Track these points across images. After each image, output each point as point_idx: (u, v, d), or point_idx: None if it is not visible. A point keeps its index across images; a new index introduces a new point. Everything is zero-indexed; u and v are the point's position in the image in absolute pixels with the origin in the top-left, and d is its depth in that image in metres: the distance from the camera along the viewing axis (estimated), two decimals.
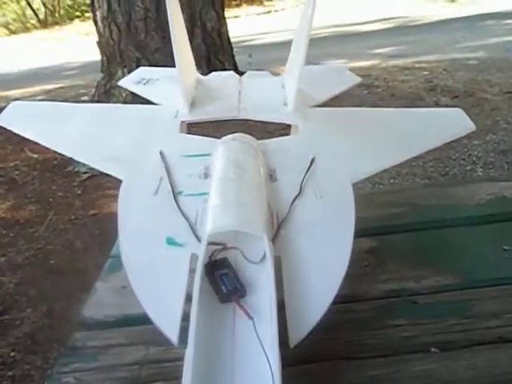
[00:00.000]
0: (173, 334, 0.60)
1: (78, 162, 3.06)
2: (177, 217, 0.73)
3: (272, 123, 1.03)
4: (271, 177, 0.82)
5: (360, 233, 0.95)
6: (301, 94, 0.99)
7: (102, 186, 2.88)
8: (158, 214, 0.76)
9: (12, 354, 1.72)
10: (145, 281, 0.67)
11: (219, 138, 0.90)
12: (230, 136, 0.89)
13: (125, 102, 3.51)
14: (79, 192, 2.87)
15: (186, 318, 0.59)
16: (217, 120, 1.01)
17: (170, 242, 0.70)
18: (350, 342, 0.72)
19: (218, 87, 1.15)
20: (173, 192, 0.77)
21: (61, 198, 2.83)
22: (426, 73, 4.31)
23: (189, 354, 0.54)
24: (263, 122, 1.02)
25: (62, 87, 5.19)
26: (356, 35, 6.00)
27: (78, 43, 8.13)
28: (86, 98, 4.45)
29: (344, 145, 0.90)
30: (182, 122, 0.97)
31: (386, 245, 0.94)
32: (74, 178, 3.01)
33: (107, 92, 3.77)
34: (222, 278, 0.63)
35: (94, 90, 4.04)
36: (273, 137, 0.96)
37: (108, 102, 3.62)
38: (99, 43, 3.85)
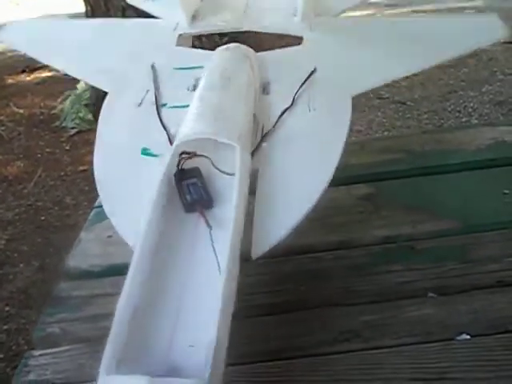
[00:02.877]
0: (129, 237, 0.58)
1: (66, 117, 3.00)
2: (157, 128, 0.70)
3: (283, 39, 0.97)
4: (264, 90, 0.78)
5: (355, 179, 0.93)
6: (313, 3, 0.94)
7: (91, 141, 2.79)
8: (137, 125, 0.73)
9: (6, 308, 1.72)
10: (112, 187, 0.64)
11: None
12: (224, 46, 0.84)
13: None
14: (67, 148, 2.81)
15: None
16: (218, 32, 0.98)
17: (145, 152, 0.67)
18: (345, 288, 0.70)
19: (225, 0, 1.09)
20: (156, 103, 0.74)
21: (49, 154, 2.77)
22: None
23: (135, 257, 0.50)
24: (268, 33, 0.96)
25: None
26: None
27: None
28: None
29: (350, 55, 0.85)
30: (180, 34, 0.93)
31: (382, 191, 0.91)
32: (62, 133, 2.94)
33: None
34: (188, 186, 0.59)
35: None
36: None
37: None
38: None
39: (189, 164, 0.62)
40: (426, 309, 0.65)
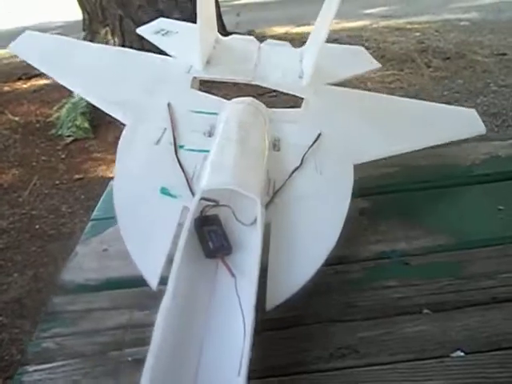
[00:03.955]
0: (153, 279, 0.60)
1: (62, 126, 2.99)
2: (174, 169, 0.74)
3: (284, 97, 1.02)
4: (274, 146, 0.82)
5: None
6: (317, 70, 0.99)
7: (87, 149, 2.82)
8: (156, 163, 0.77)
9: (0, 318, 1.70)
10: (133, 224, 0.67)
11: (229, 99, 0.90)
12: (240, 99, 0.89)
13: None
14: (63, 156, 2.80)
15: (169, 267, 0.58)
16: (230, 81, 1.02)
17: (165, 191, 0.71)
18: (340, 303, 0.70)
19: (236, 50, 1.16)
20: (174, 144, 0.78)
21: (44, 162, 2.76)
22: (417, 34, 4.23)
23: (166, 300, 0.54)
24: (276, 91, 1.03)
25: None
26: None
27: (59, 1, 7.83)
28: None
29: (352, 126, 0.90)
30: (195, 77, 0.98)
31: (377, 206, 0.91)
32: (58, 141, 2.93)
33: None
34: (210, 233, 0.63)
35: None
36: None
37: None
38: (80, 0, 3.70)
39: (209, 211, 0.66)
40: (420, 325, 0.65)
